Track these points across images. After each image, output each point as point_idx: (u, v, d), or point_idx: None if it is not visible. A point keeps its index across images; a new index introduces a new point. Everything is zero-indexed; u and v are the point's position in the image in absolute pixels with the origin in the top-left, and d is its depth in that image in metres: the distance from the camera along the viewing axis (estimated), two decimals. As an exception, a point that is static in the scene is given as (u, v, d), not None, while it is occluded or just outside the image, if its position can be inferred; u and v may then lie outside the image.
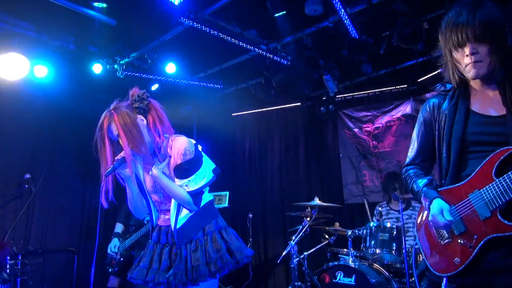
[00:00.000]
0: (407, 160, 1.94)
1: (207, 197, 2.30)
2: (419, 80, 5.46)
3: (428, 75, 5.24)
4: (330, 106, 5.96)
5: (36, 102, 5.23)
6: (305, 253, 4.44)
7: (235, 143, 7.21)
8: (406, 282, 3.63)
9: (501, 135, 1.59)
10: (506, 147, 1.55)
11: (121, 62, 5.12)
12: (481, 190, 1.59)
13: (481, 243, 1.57)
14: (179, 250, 2.18)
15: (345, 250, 4.40)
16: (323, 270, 4.12)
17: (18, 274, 4.51)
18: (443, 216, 1.63)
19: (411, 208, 4.52)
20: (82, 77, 5.14)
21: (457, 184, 1.69)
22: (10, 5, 4.07)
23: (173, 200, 2.20)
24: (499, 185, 1.52)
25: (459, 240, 1.65)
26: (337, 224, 4.66)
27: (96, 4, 4.07)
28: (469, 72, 1.62)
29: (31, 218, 5.24)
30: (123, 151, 2.10)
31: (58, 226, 5.52)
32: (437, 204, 1.67)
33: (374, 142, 5.85)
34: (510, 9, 1.62)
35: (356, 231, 4.27)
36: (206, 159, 2.28)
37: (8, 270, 4.38)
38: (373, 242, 4.05)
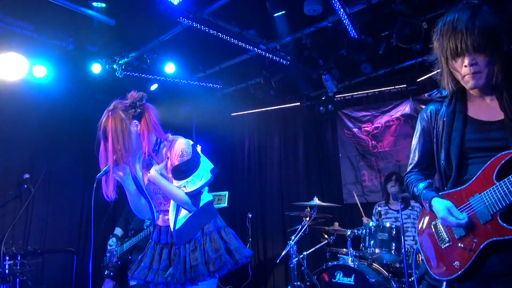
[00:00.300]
0: (409, 168, 1.93)
1: (206, 197, 2.30)
2: (418, 80, 5.46)
3: (427, 75, 5.23)
4: (329, 106, 5.96)
5: (35, 102, 5.21)
6: (305, 253, 4.45)
7: (234, 143, 7.21)
8: (405, 281, 3.63)
9: (501, 140, 1.58)
10: (507, 151, 1.54)
11: (120, 62, 5.11)
12: (482, 193, 1.57)
13: (481, 246, 1.55)
14: (178, 250, 2.18)
15: (344, 250, 4.41)
16: (323, 270, 4.13)
17: (17, 274, 4.50)
18: (452, 215, 1.60)
19: (410, 208, 4.54)
20: (81, 77, 5.14)
21: (458, 188, 1.67)
22: (9, 5, 4.06)
23: (172, 201, 2.21)
24: (500, 189, 1.51)
25: (459, 244, 1.64)
26: (336, 224, 4.68)
27: (95, 4, 4.07)
28: (468, 83, 1.59)
29: (30, 218, 5.23)
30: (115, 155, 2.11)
31: (57, 226, 5.51)
32: (440, 204, 1.65)
33: (373, 142, 5.85)
34: (505, 13, 1.60)
35: (356, 231, 4.28)
36: (204, 160, 2.28)
37: (7, 271, 4.38)
38: (372, 241, 4.07)
